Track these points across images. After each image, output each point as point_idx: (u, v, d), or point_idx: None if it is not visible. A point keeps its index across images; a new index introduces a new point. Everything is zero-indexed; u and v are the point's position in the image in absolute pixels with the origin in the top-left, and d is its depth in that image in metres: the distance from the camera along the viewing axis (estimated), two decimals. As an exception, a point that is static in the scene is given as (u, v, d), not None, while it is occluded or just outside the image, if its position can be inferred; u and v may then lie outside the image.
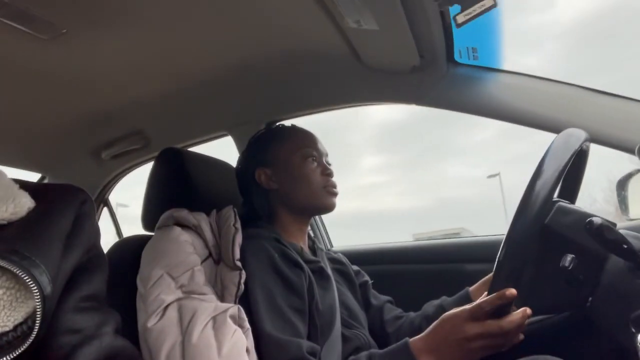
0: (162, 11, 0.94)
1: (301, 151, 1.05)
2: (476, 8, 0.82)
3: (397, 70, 1.13)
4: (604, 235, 0.62)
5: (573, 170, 0.80)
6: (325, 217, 1.70)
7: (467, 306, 0.75)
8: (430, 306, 1.07)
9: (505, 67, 1.08)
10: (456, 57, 1.09)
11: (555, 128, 0.95)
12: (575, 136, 0.73)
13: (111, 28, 0.97)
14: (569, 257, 0.70)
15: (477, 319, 0.72)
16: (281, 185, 1.05)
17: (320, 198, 1.04)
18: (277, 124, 1.18)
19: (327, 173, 1.05)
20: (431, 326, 0.79)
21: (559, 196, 0.85)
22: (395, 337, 1.06)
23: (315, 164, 1.05)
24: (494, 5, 0.80)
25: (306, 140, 1.08)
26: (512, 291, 0.68)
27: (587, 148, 0.81)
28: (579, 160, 0.79)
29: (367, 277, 1.20)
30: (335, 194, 1.05)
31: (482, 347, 0.73)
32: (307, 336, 0.87)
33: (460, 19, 0.84)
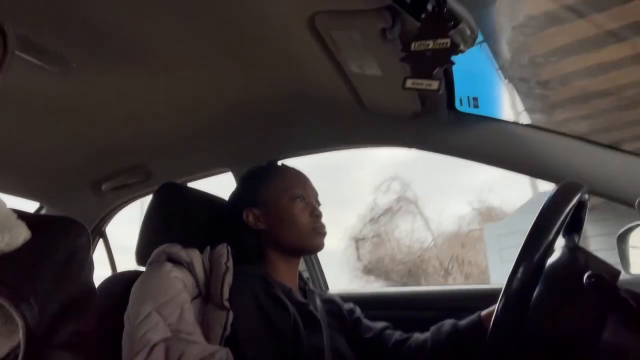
0: (168, 50, 0.97)
1: (289, 192, 1.05)
2: (423, 84, 0.85)
3: (398, 115, 1.15)
4: (603, 289, 0.61)
5: (572, 222, 0.80)
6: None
7: None
8: (440, 334, 1.02)
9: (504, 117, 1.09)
10: (457, 105, 1.11)
11: (554, 178, 0.95)
12: (574, 187, 0.73)
13: (118, 64, 1.00)
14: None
15: None
16: (269, 225, 1.04)
17: (308, 239, 1.03)
18: (267, 162, 1.18)
19: (315, 214, 1.05)
20: None
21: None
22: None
23: (304, 204, 1.05)
24: (438, 91, 0.84)
25: (295, 180, 1.08)
26: None
27: (586, 200, 0.81)
28: (578, 211, 0.79)
29: (358, 312, 1.14)
30: (323, 235, 1.05)
31: None
32: None
33: (408, 84, 0.87)
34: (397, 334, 1.09)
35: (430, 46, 0.83)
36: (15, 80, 1.01)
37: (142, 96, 1.14)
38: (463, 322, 1.03)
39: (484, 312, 1.00)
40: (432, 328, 1.06)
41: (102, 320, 0.66)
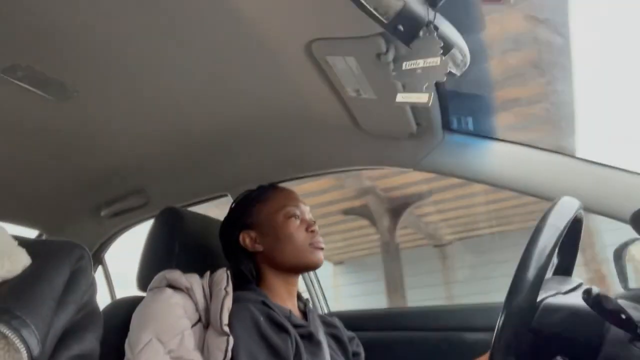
0: (166, 76, 0.99)
1: (283, 210, 1.06)
2: (413, 98, 0.87)
3: (394, 137, 1.17)
4: (602, 305, 0.61)
5: (568, 239, 0.81)
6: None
7: None
8: None
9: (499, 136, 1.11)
10: (452, 125, 1.14)
11: (549, 196, 0.97)
12: (569, 205, 0.74)
13: (118, 91, 1.02)
14: (559, 359, 0.69)
15: None
16: (266, 246, 1.05)
17: (306, 255, 1.03)
18: (258, 186, 1.19)
19: (311, 230, 1.06)
20: None
21: (556, 266, 0.85)
22: None
23: (299, 221, 1.06)
24: (427, 104, 0.86)
25: (288, 199, 1.09)
26: None
27: (582, 217, 0.82)
28: (573, 228, 0.80)
29: (360, 349, 1.16)
30: (321, 249, 1.05)
31: None
32: None
33: (399, 98, 0.89)
34: None
35: (421, 65, 0.85)
36: (15, 108, 1.03)
37: (141, 121, 1.16)
38: None
39: None
40: None
41: (106, 345, 0.66)
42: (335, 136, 1.23)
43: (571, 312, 0.69)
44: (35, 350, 0.51)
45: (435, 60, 0.83)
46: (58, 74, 0.93)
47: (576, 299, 0.67)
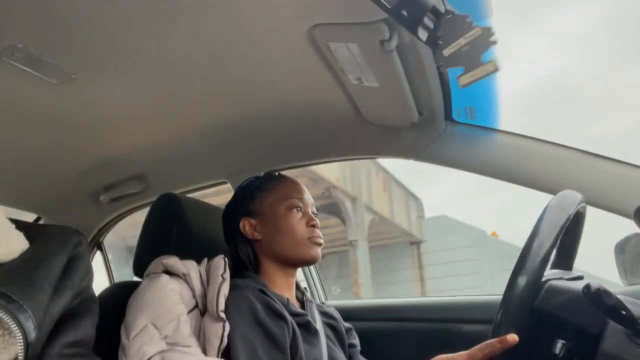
0: (166, 61, 0.97)
1: (286, 202, 1.05)
2: (479, 72, 0.85)
3: (396, 126, 1.16)
4: (602, 301, 0.61)
5: (570, 233, 0.80)
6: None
7: (465, 352, 0.72)
8: None
9: (502, 127, 1.10)
10: (454, 115, 1.12)
11: (551, 189, 0.96)
12: (571, 198, 0.74)
13: (117, 75, 1.00)
14: (560, 342, 0.68)
15: None
16: (265, 236, 1.04)
17: (304, 249, 1.02)
18: (264, 173, 1.18)
19: (312, 224, 1.05)
20: None
21: (555, 261, 0.84)
22: None
23: (300, 214, 1.05)
24: (497, 70, 0.83)
25: (292, 190, 1.08)
26: (514, 337, 0.66)
27: (584, 210, 0.81)
28: (575, 222, 0.79)
29: (357, 340, 1.16)
30: (319, 245, 1.04)
31: None
32: None
33: (464, 80, 0.87)
34: None
35: (463, 42, 0.82)
36: (13, 91, 1.02)
37: (139, 106, 1.15)
38: None
39: None
40: None
41: (101, 330, 0.66)
42: (336, 125, 1.22)
43: (574, 296, 0.68)
44: (32, 335, 0.51)
45: (475, 32, 0.80)
46: (55, 57, 0.92)
47: (580, 285, 0.67)
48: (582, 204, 0.77)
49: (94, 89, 1.04)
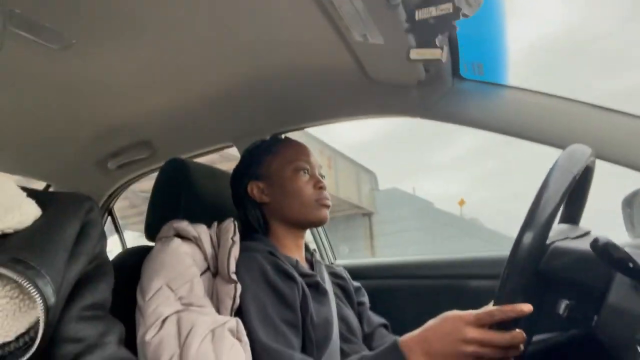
0: (169, 25, 0.95)
1: (293, 164, 1.05)
2: (427, 53, 0.84)
3: (402, 84, 1.14)
4: (610, 254, 0.61)
5: (578, 187, 0.80)
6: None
7: (474, 311, 0.72)
8: None
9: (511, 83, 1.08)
10: (462, 72, 1.10)
11: (560, 144, 0.95)
12: (580, 152, 0.73)
13: (119, 40, 0.99)
14: (564, 303, 0.69)
15: (481, 325, 0.69)
16: (273, 198, 1.05)
17: (312, 211, 1.03)
18: (270, 136, 1.18)
19: (319, 186, 1.05)
20: (429, 323, 0.76)
21: (563, 214, 0.84)
22: None
23: (307, 176, 1.05)
24: (440, 60, 0.83)
25: (298, 153, 1.08)
26: (529, 306, 0.65)
27: (593, 164, 0.80)
28: (584, 176, 0.79)
29: (366, 298, 1.18)
30: (327, 206, 1.05)
31: (475, 354, 0.70)
32: (302, 349, 0.86)
33: (412, 54, 0.87)
34: (388, 338, 1.09)
35: (433, 13, 0.82)
36: (17, 58, 1.01)
37: (144, 72, 1.13)
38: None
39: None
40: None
41: (116, 293, 0.67)
42: (341, 85, 1.20)
43: (579, 257, 0.69)
44: (51, 299, 0.52)
45: (447, 7, 0.80)
46: (54, 22, 0.90)
47: (585, 244, 0.67)
48: (592, 158, 0.76)
49: (95, 54, 1.03)
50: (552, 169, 0.69)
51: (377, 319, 1.16)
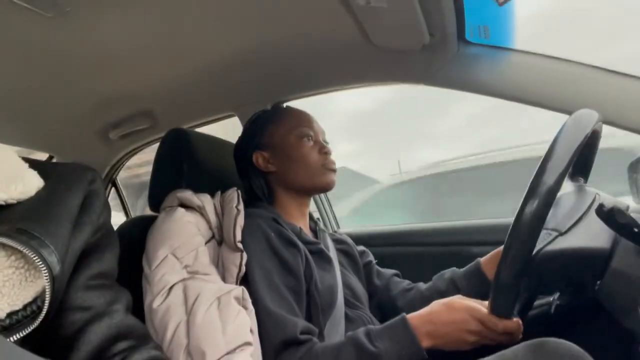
0: None
1: (296, 131, 1.04)
2: None
3: (406, 50, 1.11)
4: (615, 219, 0.61)
5: (585, 152, 0.79)
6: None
7: (480, 304, 0.77)
8: (441, 280, 1.08)
9: (517, 46, 1.05)
10: (467, 36, 1.07)
11: (567, 109, 0.93)
12: (587, 117, 0.72)
13: (116, 8, 0.96)
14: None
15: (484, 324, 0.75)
16: (279, 167, 1.04)
17: (319, 176, 1.03)
18: (272, 105, 1.17)
19: (324, 151, 1.05)
20: (436, 306, 0.80)
21: (570, 173, 0.84)
22: (407, 310, 1.07)
23: (312, 142, 1.05)
24: None
25: (301, 120, 1.07)
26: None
27: (600, 129, 0.79)
28: (591, 141, 0.78)
29: (371, 257, 1.21)
30: (333, 171, 1.05)
31: (475, 344, 0.77)
32: (307, 316, 0.88)
33: None
34: (405, 283, 1.15)
35: None
36: (12, 27, 0.98)
37: (143, 40, 1.11)
38: (462, 270, 1.06)
39: (483, 259, 1.03)
40: (434, 277, 1.09)
41: (122, 263, 0.68)
42: (343, 51, 1.18)
43: (570, 257, 0.69)
44: (56, 268, 0.52)
45: None
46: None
47: (575, 240, 0.68)
48: (599, 123, 0.75)
49: (90, 23, 1.00)
50: (558, 134, 0.67)
51: (388, 271, 1.18)
